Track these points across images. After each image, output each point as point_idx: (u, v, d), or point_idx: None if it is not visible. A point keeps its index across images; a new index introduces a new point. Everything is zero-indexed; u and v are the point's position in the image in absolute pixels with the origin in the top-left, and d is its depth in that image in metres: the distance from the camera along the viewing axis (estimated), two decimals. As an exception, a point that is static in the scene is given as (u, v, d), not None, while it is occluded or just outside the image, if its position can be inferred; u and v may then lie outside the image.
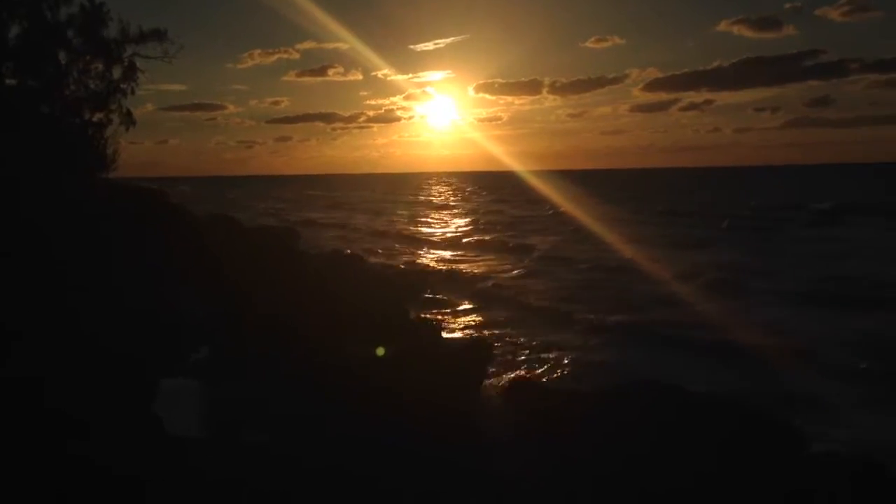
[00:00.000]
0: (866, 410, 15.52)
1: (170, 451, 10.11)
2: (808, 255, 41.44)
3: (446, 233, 63.35)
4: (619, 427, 10.62)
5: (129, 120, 19.13)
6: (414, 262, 41.06)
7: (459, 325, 23.62)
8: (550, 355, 20.03)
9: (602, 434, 10.72)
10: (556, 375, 17.98)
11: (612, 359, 19.80)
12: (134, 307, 12.17)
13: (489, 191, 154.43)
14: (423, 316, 19.31)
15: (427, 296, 26.39)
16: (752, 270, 35.75)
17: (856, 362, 19.44)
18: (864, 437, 13.43)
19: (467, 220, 77.99)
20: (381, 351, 22.35)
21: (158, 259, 13.25)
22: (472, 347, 13.77)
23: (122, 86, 18.99)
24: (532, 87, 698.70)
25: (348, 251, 25.03)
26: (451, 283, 32.70)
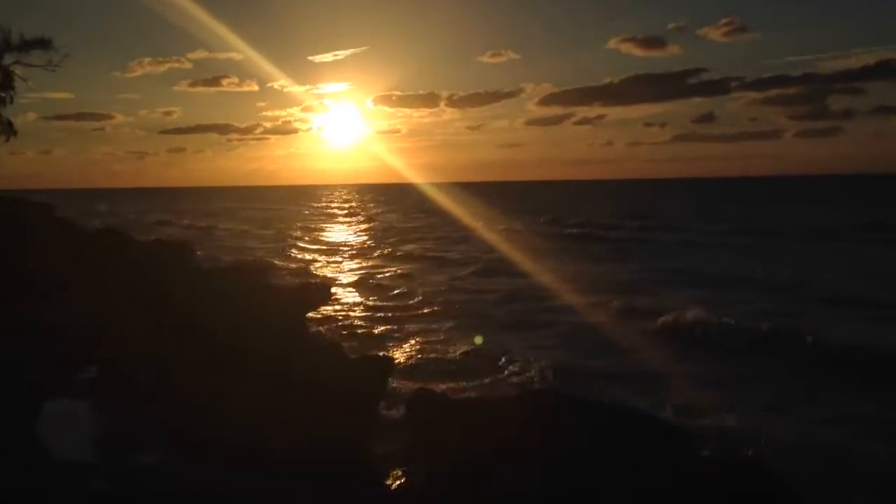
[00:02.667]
0: (750, 408, 16.08)
1: (57, 475, 9.62)
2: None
3: (348, 244, 62.95)
4: (514, 435, 10.66)
5: (9, 129, 18.23)
6: (315, 273, 40.56)
7: (360, 338, 23.45)
8: (453, 365, 20.10)
9: (498, 442, 10.74)
10: (458, 384, 18.03)
11: (513, 367, 20.00)
12: (14, 324, 11.54)
13: (390, 203, 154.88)
14: (322, 329, 19.07)
15: (327, 309, 26.05)
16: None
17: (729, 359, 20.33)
18: (747, 437, 13.95)
19: (368, 231, 77.64)
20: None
21: (42, 276, 12.61)
22: (372, 360, 13.60)
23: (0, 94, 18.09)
24: (430, 100, 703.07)
25: (246, 263, 24.51)
26: (353, 295, 32.45)
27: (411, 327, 25.25)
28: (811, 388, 17.84)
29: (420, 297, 31.49)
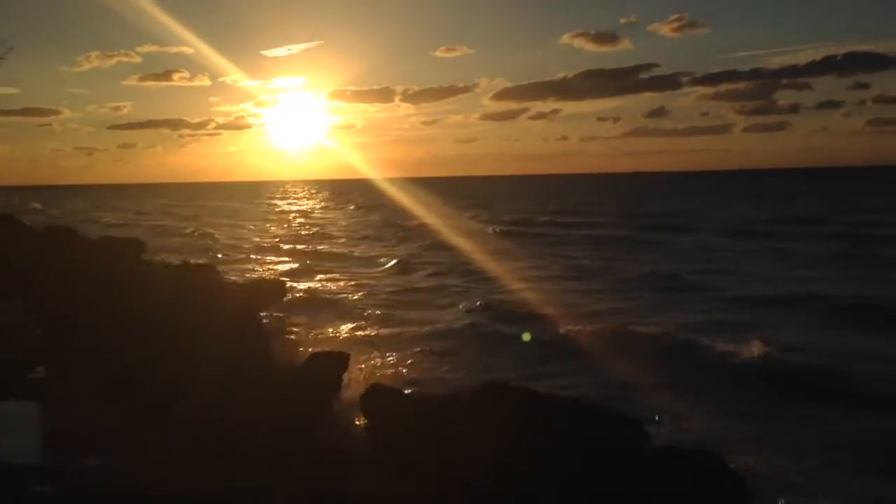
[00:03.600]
0: (705, 404, 16.27)
1: (1, 476, 9.36)
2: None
3: (304, 240, 62.42)
4: (468, 429, 10.66)
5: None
6: (270, 270, 40.10)
7: (316, 335, 23.24)
8: (408, 360, 20.05)
9: (453, 437, 10.73)
10: (412, 379, 17.98)
11: (467, 361, 20.02)
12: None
13: (347, 198, 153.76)
14: (277, 327, 18.89)
15: (283, 307, 25.74)
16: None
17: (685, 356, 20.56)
18: (704, 430, 14.13)
19: (326, 227, 77.01)
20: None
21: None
22: (328, 357, 13.50)
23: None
24: (385, 95, 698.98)
25: (199, 262, 24.11)
26: (309, 293, 32.16)
27: (364, 323, 25.13)
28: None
29: (364, 293, 31.40)
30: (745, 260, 40.83)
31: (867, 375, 17.74)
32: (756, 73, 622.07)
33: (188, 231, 69.30)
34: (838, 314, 24.78)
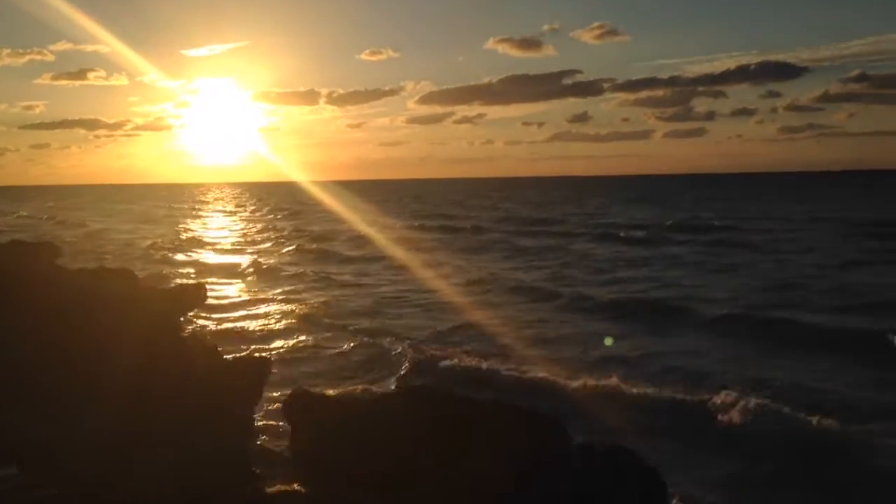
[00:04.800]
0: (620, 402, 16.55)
1: None
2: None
3: (225, 244, 61.20)
4: (393, 433, 10.59)
5: None
6: (189, 275, 39.15)
7: (237, 340, 22.78)
8: (332, 364, 19.85)
9: (378, 441, 10.64)
10: (337, 384, 17.80)
11: (394, 366, 19.91)
12: None
13: (269, 201, 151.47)
14: (197, 333, 18.38)
15: (203, 312, 25.17)
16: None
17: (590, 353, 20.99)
18: (621, 428, 14.39)
19: (249, 230, 75.74)
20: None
21: None
22: (249, 363, 13.22)
23: None
24: (310, 97, 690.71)
25: (116, 266, 23.33)
26: (231, 297, 31.55)
27: (283, 328, 24.78)
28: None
29: (295, 298, 30.98)
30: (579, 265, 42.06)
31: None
32: (674, 81, 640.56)
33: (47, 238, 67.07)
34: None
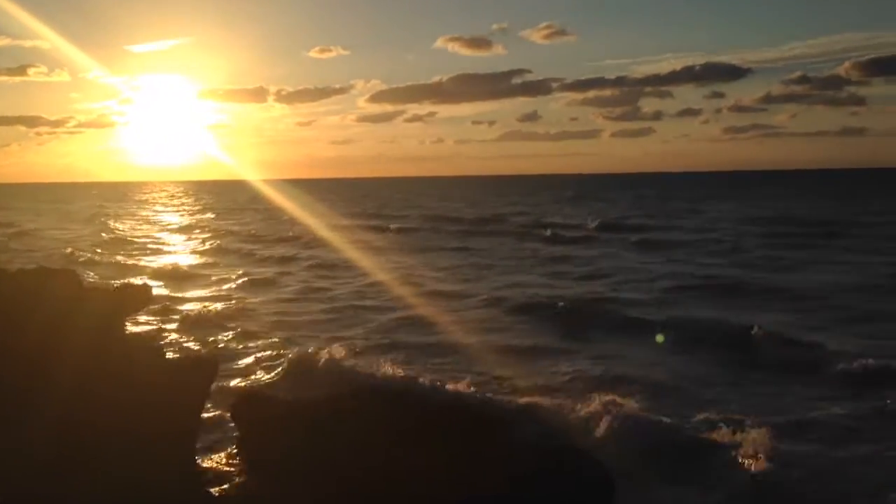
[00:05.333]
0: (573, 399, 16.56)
1: None
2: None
3: (173, 242, 60.05)
4: (342, 431, 10.52)
5: None
6: (136, 274, 38.29)
7: (183, 341, 22.35)
8: (278, 364, 19.57)
9: (326, 440, 10.56)
10: (284, 383, 17.55)
11: (346, 362, 19.70)
12: None
13: (210, 200, 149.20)
14: (142, 334, 18.01)
15: (149, 312, 24.61)
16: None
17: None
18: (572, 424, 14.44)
19: (194, 230, 74.25)
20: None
21: None
22: (195, 363, 12.97)
23: None
24: (258, 95, 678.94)
25: (59, 265, 22.67)
26: (177, 297, 30.92)
27: (231, 331, 24.41)
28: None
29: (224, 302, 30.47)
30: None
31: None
32: (621, 81, 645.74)
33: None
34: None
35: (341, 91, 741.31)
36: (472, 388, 15.68)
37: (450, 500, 9.38)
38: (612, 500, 9.01)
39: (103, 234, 65.88)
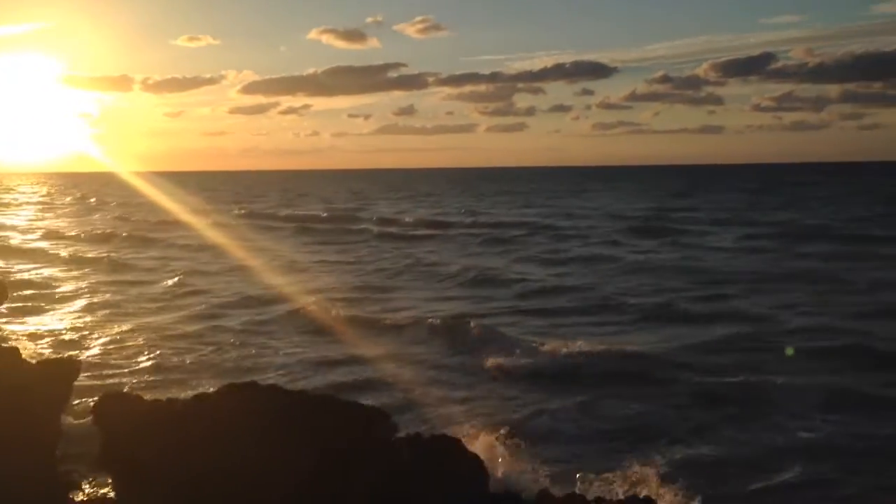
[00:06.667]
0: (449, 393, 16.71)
1: None
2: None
3: (32, 238, 56.46)
4: (212, 431, 10.13)
5: None
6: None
7: (44, 343, 21.08)
8: (146, 363, 18.78)
9: (195, 440, 10.14)
10: (151, 384, 16.86)
11: (216, 361, 19.11)
12: None
13: (80, 192, 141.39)
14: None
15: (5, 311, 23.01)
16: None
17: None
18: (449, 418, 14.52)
19: (59, 223, 70.10)
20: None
21: None
22: (55, 363, 12.17)
23: None
24: (123, 84, 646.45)
25: None
26: (36, 296, 29.08)
27: (98, 327, 23.20)
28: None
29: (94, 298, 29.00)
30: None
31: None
32: (496, 77, 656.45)
33: None
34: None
35: (212, 81, 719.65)
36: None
37: (324, 496, 9.20)
38: (486, 487, 9.06)
39: None
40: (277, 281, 32.73)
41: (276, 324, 24.14)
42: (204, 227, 58.44)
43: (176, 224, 63.98)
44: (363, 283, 32.57)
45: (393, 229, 58.91)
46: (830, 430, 14.40)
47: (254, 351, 20.64)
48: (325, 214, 75.53)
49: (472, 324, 22.20)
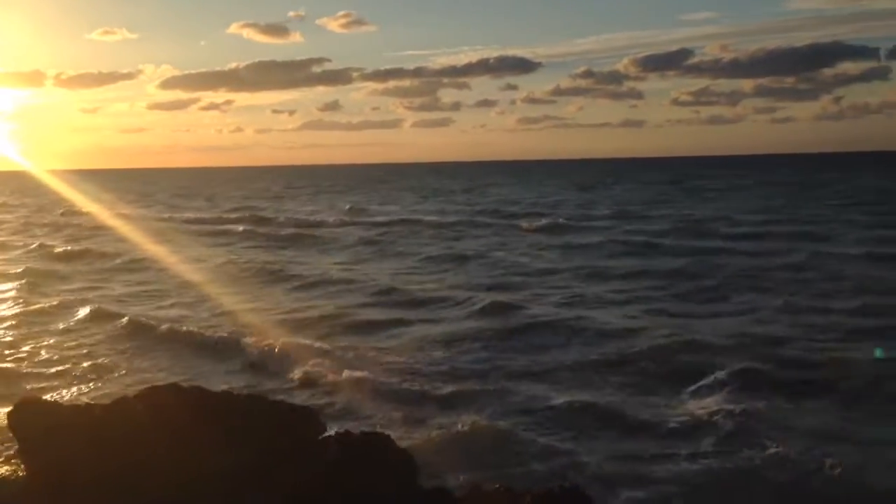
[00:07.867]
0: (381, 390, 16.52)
1: None
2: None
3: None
4: (136, 437, 9.77)
5: None
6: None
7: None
8: (63, 366, 18.03)
9: (119, 447, 9.76)
10: (70, 389, 16.23)
11: (143, 364, 18.49)
12: None
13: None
14: None
15: None
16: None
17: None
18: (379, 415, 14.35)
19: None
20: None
21: None
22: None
23: None
24: (34, 79, 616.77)
25: None
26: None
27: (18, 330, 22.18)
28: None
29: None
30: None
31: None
32: (420, 72, 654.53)
33: None
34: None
35: (129, 76, 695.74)
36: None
37: (250, 496, 8.99)
38: (416, 481, 9.00)
39: None
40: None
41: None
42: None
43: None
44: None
45: (263, 229, 55.84)
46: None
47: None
48: (193, 216, 72.67)
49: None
